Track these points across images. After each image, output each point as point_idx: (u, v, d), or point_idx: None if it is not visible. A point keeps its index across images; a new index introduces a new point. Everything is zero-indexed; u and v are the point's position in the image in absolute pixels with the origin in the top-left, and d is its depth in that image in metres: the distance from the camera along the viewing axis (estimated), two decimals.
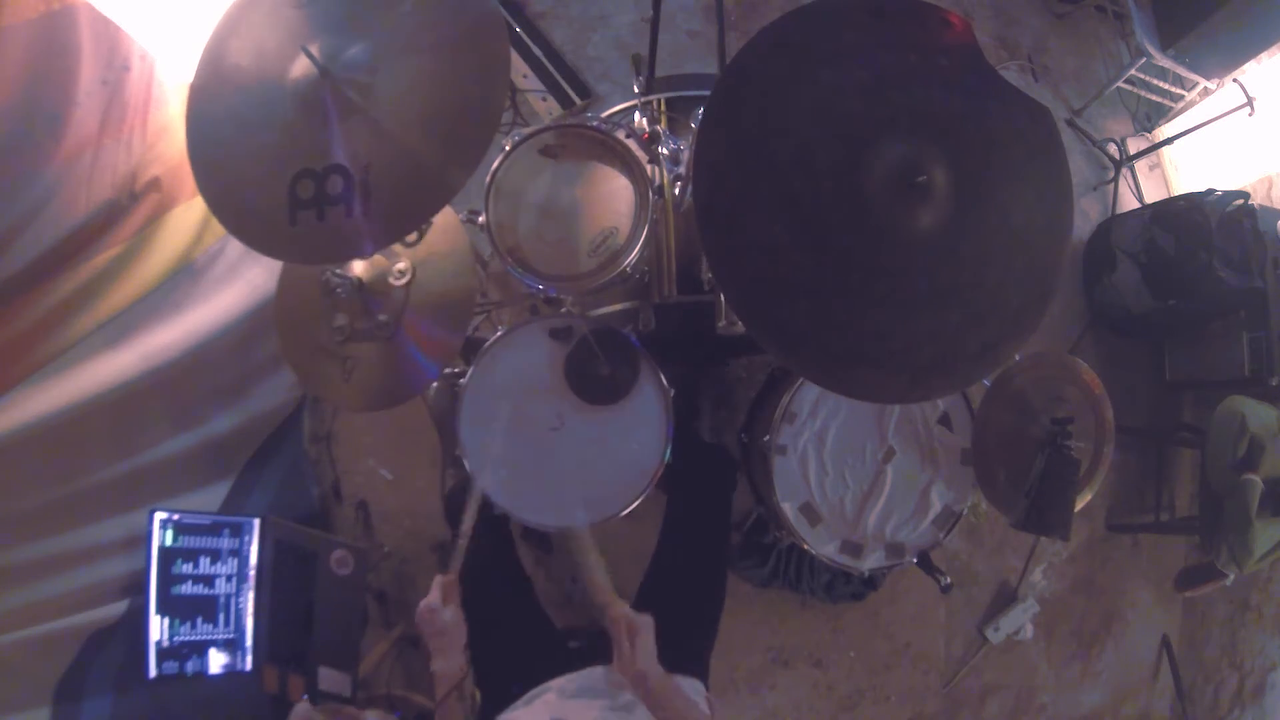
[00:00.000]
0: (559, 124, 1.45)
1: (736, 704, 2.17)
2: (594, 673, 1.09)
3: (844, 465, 1.55)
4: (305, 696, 1.35)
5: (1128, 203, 2.56)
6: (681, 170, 1.50)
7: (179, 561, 1.56)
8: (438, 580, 1.13)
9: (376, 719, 1.17)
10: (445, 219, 1.40)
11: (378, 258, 1.39)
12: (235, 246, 1.85)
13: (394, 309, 1.36)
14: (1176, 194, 2.55)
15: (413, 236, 1.38)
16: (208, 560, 1.60)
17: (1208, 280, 2.06)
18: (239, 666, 1.62)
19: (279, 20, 1.07)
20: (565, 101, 2.29)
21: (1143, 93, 2.55)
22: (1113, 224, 2.42)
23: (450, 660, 1.09)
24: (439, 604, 1.11)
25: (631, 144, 1.41)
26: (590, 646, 1.41)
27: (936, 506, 1.56)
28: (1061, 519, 1.39)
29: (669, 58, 2.23)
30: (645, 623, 1.08)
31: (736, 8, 2.41)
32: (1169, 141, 2.51)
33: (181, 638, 1.55)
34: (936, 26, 1.02)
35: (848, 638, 2.23)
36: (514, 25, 2.29)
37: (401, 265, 1.37)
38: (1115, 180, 2.55)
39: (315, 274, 1.40)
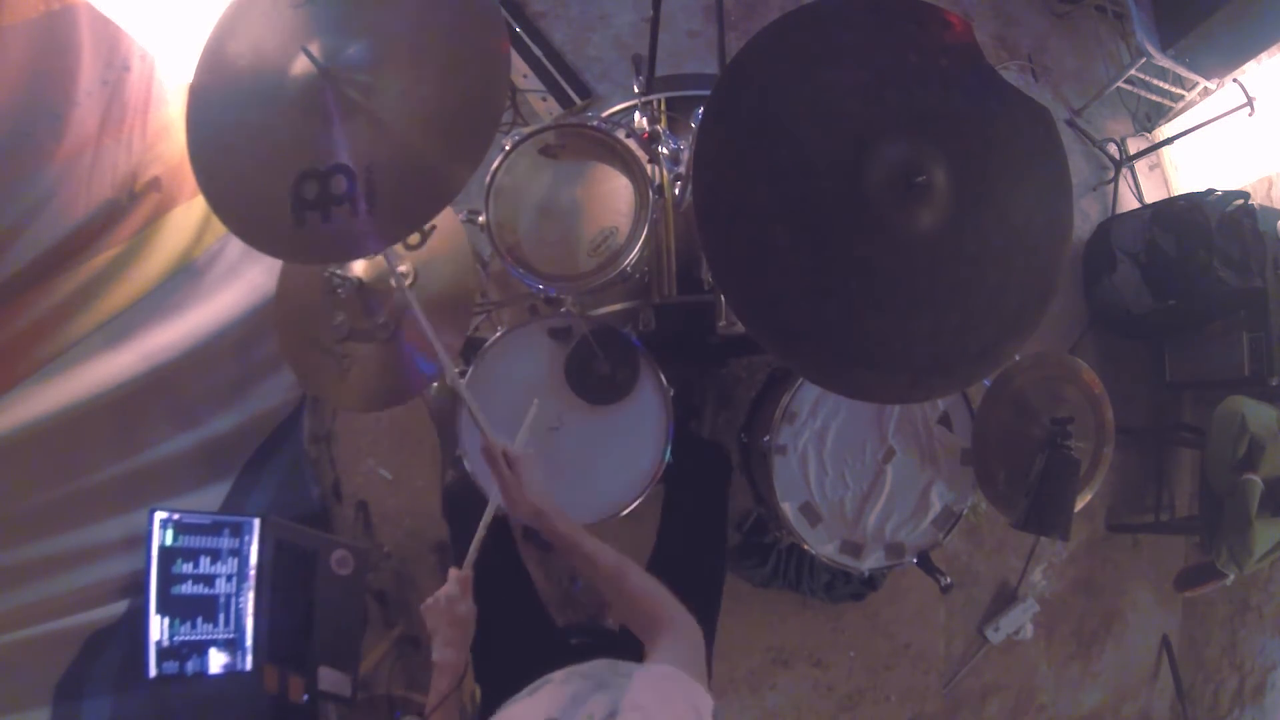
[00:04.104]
0: (559, 124, 1.45)
1: (736, 704, 2.17)
2: (596, 665, 1.08)
3: (844, 465, 1.55)
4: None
5: (1128, 203, 2.56)
6: (681, 170, 1.50)
7: (179, 561, 1.56)
8: (454, 574, 1.13)
9: None
10: (446, 219, 1.40)
11: (378, 259, 1.39)
12: (235, 246, 1.85)
13: (394, 310, 1.36)
14: (1176, 194, 2.55)
15: (415, 239, 1.38)
16: (208, 560, 1.60)
17: (1208, 280, 2.06)
18: (239, 666, 1.62)
19: (277, 20, 1.07)
20: (565, 101, 2.30)
21: (1143, 93, 2.55)
22: (1113, 224, 2.42)
23: (459, 652, 1.10)
24: (458, 595, 1.11)
25: (631, 143, 1.41)
26: (592, 644, 1.41)
27: (936, 506, 1.56)
28: (1061, 519, 1.39)
29: (669, 58, 2.23)
30: (526, 455, 1.06)
31: (736, 8, 2.41)
32: (1169, 141, 2.50)
33: (181, 637, 1.55)
34: (936, 26, 1.02)
35: (848, 638, 2.23)
36: (514, 25, 2.29)
37: (403, 268, 1.37)
38: (1115, 180, 2.55)
39: (315, 273, 1.40)
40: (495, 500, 1.17)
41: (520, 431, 1.24)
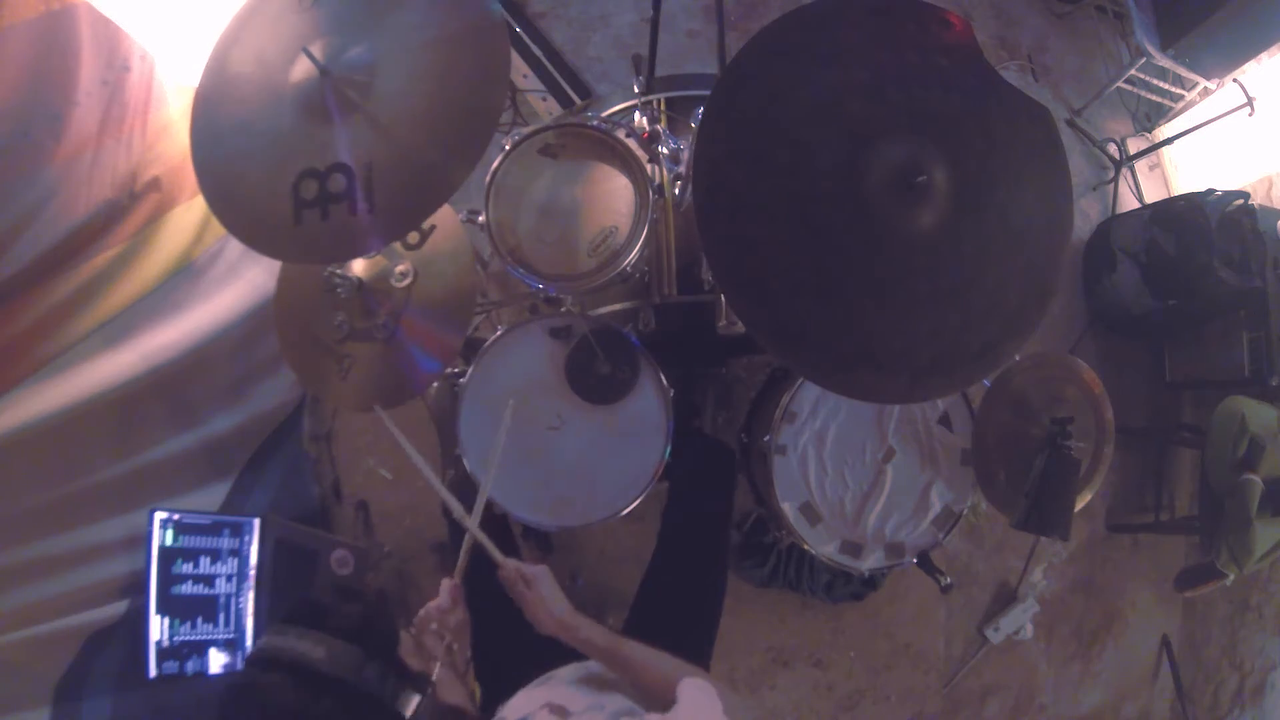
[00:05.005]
0: (559, 123, 1.45)
1: None
2: (598, 664, 1.09)
3: (844, 465, 1.55)
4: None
5: (1128, 203, 2.56)
6: (681, 170, 1.50)
7: (179, 561, 1.56)
8: (446, 584, 1.13)
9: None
10: (446, 219, 1.40)
11: (379, 259, 1.39)
12: (235, 246, 1.85)
13: (393, 309, 1.36)
14: (1176, 194, 2.55)
15: (415, 238, 1.38)
16: (208, 560, 1.60)
17: (1208, 280, 2.06)
18: (239, 666, 1.62)
19: (281, 25, 1.08)
20: (565, 101, 2.29)
21: (1143, 93, 2.55)
22: (1113, 224, 2.42)
23: (456, 663, 1.09)
24: (449, 607, 1.11)
25: (631, 143, 1.41)
26: None
27: (936, 506, 1.56)
28: (1061, 519, 1.39)
29: (669, 58, 2.23)
30: (540, 571, 1.08)
31: (736, 8, 2.41)
32: (1169, 141, 2.51)
33: (181, 637, 1.55)
34: (936, 26, 1.02)
35: (848, 638, 2.23)
36: (514, 25, 2.29)
37: (403, 267, 1.37)
38: (1115, 180, 2.55)
39: (315, 273, 1.40)
40: (478, 512, 1.16)
41: (497, 436, 1.23)
